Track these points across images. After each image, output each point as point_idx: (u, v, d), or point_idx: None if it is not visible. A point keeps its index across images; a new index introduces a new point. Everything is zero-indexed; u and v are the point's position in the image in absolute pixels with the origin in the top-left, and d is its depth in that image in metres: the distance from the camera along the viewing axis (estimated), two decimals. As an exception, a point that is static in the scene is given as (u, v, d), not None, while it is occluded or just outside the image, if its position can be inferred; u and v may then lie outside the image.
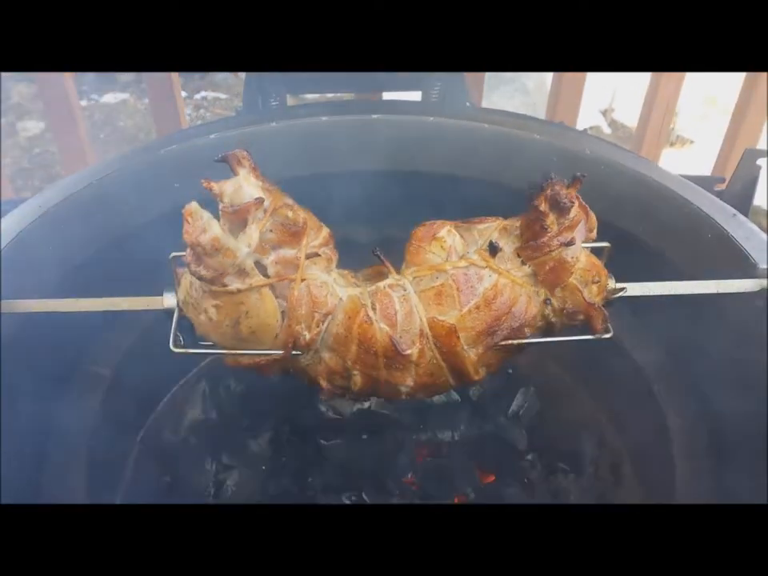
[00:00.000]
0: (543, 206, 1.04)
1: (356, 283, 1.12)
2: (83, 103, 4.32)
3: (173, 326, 1.11)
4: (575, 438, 1.68)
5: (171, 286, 1.11)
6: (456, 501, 1.59)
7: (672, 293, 1.15)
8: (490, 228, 1.11)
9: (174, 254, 1.07)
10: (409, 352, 1.07)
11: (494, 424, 1.73)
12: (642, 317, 1.55)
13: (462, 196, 1.51)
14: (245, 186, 1.01)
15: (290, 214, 1.03)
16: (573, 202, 1.04)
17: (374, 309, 1.07)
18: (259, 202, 0.99)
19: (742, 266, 1.24)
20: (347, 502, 1.57)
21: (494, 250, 1.07)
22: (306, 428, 1.70)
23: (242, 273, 1.00)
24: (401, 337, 1.06)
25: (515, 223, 1.11)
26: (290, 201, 1.05)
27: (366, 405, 1.77)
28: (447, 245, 1.09)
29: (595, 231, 1.12)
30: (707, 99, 4.01)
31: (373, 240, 1.68)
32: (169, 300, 1.12)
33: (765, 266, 1.20)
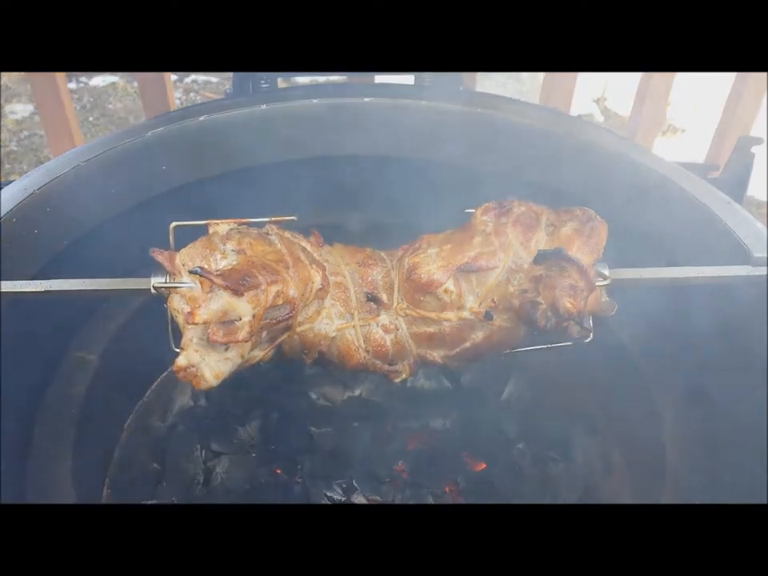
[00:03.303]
0: (542, 323, 1.04)
1: (349, 312, 1.14)
2: (72, 86, 4.27)
3: (170, 328, 1.11)
4: (566, 426, 1.68)
5: (160, 269, 1.09)
6: (447, 489, 1.59)
7: (664, 277, 1.15)
8: (490, 277, 1.10)
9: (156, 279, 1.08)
10: (399, 380, 1.18)
11: (485, 412, 1.72)
12: (634, 304, 1.54)
13: (454, 181, 1.49)
14: (231, 308, 1.00)
15: (279, 301, 1.03)
16: (570, 318, 1.03)
17: (367, 351, 1.15)
18: (249, 337, 1.00)
19: (735, 253, 1.23)
20: (338, 489, 1.56)
21: (489, 317, 1.10)
22: (296, 415, 1.69)
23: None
24: (392, 361, 1.16)
25: (517, 257, 1.10)
26: (274, 288, 1.02)
27: (357, 392, 1.77)
28: (444, 301, 1.11)
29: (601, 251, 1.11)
30: (700, 87, 3.99)
31: (364, 226, 1.67)
32: (157, 282, 1.10)
33: (758, 254, 1.19)
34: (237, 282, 0.96)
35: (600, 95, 4.30)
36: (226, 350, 1.02)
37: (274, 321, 1.04)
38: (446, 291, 1.09)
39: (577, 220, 1.10)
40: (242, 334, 0.98)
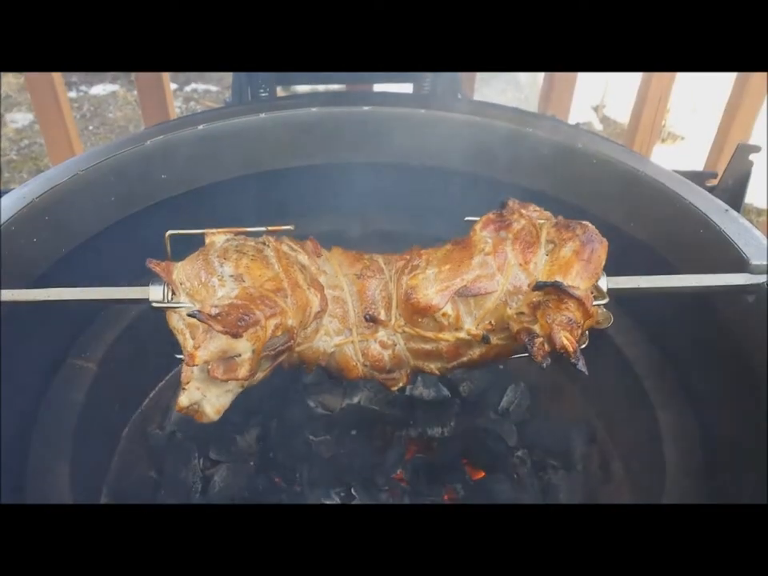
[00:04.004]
0: (539, 359, 1.03)
1: (347, 328, 1.15)
2: (72, 95, 4.28)
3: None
4: (565, 434, 1.67)
5: (157, 278, 1.10)
6: (446, 497, 1.58)
7: (662, 286, 1.15)
8: (488, 300, 1.09)
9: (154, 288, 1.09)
10: (396, 388, 1.19)
11: (483, 420, 1.72)
12: (633, 313, 1.55)
13: (452, 189, 1.50)
14: (230, 347, 1.00)
15: (278, 332, 1.04)
16: (566, 355, 1.03)
17: (365, 365, 1.15)
18: (249, 375, 1.01)
19: (733, 261, 1.23)
20: (336, 498, 1.56)
21: (487, 340, 1.11)
22: (294, 423, 1.69)
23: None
24: (390, 370, 1.17)
25: (515, 279, 1.09)
26: (273, 321, 1.02)
27: (356, 400, 1.77)
28: (443, 323, 1.11)
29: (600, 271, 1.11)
30: (699, 94, 4.00)
31: (362, 234, 1.67)
32: (155, 293, 1.10)
33: (756, 262, 1.19)
34: (235, 325, 0.96)
35: (599, 103, 4.31)
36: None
37: (273, 351, 1.05)
38: (443, 315, 1.09)
39: (577, 240, 1.08)
40: (242, 372, 1.00)
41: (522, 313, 1.07)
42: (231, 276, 1.05)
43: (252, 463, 1.62)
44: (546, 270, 1.07)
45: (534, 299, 1.05)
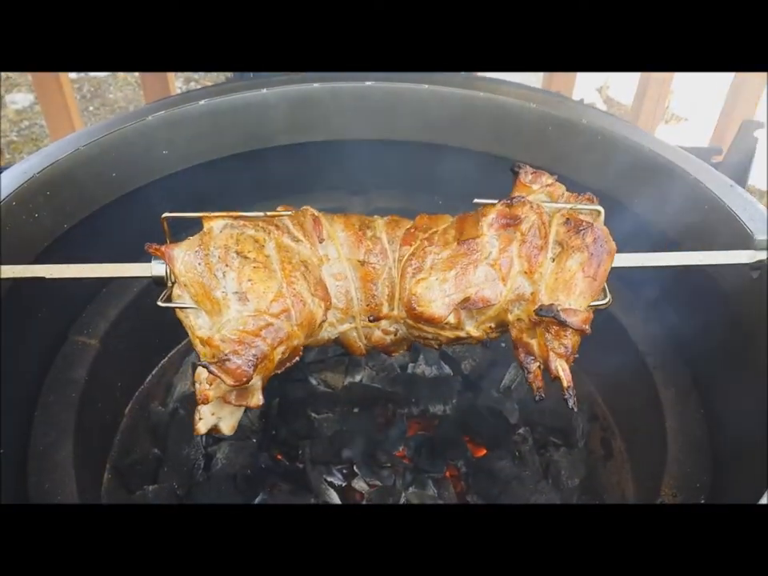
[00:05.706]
0: (533, 387, 1.07)
1: (351, 316, 1.16)
2: (73, 75, 4.26)
3: None
4: (567, 412, 1.67)
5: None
6: (447, 474, 1.59)
7: (665, 263, 1.14)
8: (489, 311, 1.10)
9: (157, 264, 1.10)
10: (396, 354, 1.23)
11: (486, 398, 1.72)
12: (636, 290, 1.54)
13: (455, 165, 1.49)
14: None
15: (285, 355, 1.06)
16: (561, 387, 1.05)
17: (368, 347, 1.19)
18: (261, 403, 1.06)
19: (738, 237, 1.22)
20: (338, 474, 1.57)
21: (486, 345, 1.15)
22: (296, 401, 1.69)
23: None
24: (392, 346, 1.20)
25: (519, 287, 1.09)
26: (280, 348, 1.03)
27: (358, 378, 1.77)
28: (444, 326, 1.12)
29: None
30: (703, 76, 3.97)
31: (365, 210, 1.66)
32: (157, 269, 1.10)
33: (761, 237, 1.18)
34: (244, 374, 0.98)
35: (603, 84, 4.29)
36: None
37: (281, 368, 1.07)
38: (446, 323, 1.10)
39: (585, 252, 1.05)
40: (254, 401, 1.04)
41: (522, 320, 1.07)
42: (235, 293, 1.04)
43: (254, 440, 1.63)
44: (551, 283, 1.06)
45: (535, 316, 1.05)
